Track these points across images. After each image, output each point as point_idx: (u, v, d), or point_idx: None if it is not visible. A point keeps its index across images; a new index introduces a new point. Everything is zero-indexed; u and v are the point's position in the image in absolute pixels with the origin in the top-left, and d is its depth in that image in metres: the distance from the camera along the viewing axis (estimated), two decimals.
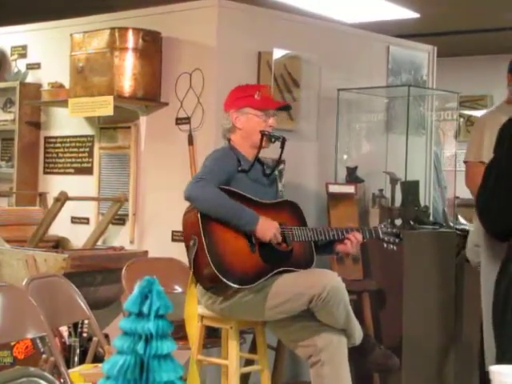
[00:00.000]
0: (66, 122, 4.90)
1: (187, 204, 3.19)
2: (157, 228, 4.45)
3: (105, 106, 4.29)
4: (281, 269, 3.18)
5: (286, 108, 3.67)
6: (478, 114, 5.63)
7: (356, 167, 4.64)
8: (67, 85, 4.62)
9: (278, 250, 3.20)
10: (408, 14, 6.11)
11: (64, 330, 3.79)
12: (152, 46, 4.38)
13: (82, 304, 3.03)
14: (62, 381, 2.64)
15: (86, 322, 3.75)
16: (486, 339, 3.17)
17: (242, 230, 3.12)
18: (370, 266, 4.33)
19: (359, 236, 3.30)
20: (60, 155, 5.02)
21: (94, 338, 3.20)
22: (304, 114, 4.63)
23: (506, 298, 2.64)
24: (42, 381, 1.65)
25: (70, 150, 4.97)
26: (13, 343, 3.64)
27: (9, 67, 5.27)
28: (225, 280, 3.05)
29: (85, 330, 3.82)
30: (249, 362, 3.77)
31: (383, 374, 4.23)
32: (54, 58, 4.99)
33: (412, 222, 4.46)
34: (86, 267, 4.07)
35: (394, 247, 3.37)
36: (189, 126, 4.31)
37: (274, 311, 3.15)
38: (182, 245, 3.24)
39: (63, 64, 4.64)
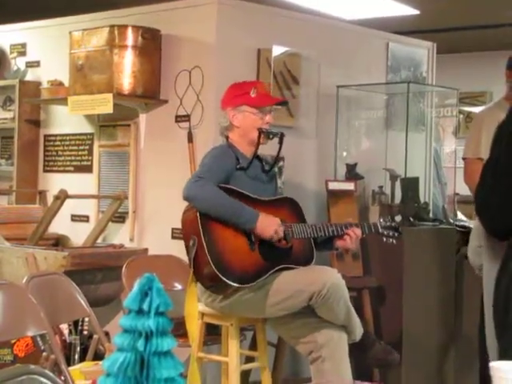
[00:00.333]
0: (66, 120, 4.90)
1: (187, 202, 3.19)
2: (157, 225, 4.45)
3: (104, 104, 4.28)
4: (281, 266, 3.18)
5: (282, 104, 3.67)
6: (477, 110, 5.62)
7: (356, 164, 4.64)
8: (67, 83, 4.61)
9: (278, 247, 3.20)
10: (407, 10, 6.10)
11: (64, 327, 3.79)
12: (151, 44, 4.37)
13: (82, 302, 3.04)
14: (62, 378, 2.64)
15: (86, 319, 3.75)
16: (489, 338, 3.17)
17: (242, 228, 3.12)
18: (369, 262, 4.34)
19: (358, 231, 3.30)
20: (60, 153, 5.02)
21: (95, 336, 3.20)
22: (303, 110, 4.63)
23: (508, 297, 2.64)
24: (42, 378, 1.65)
25: (70, 147, 4.97)
26: (13, 341, 3.64)
27: (8, 65, 5.27)
28: (225, 279, 3.05)
29: (85, 327, 3.82)
30: (249, 359, 3.77)
31: (383, 370, 4.24)
32: (53, 55, 4.98)
33: (412, 219, 4.46)
34: (86, 265, 4.08)
35: (394, 241, 3.38)
36: (188, 123, 4.31)
37: (274, 308, 3.15)
38: (182, 242, 3.24)
39: (63, 62, 4.64)
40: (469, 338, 4.22)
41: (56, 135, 5.04)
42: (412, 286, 4.26)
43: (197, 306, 3.27)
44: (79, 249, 4.35)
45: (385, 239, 3.36)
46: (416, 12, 6.22)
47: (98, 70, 4.34)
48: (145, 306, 1.00)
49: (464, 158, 3.97)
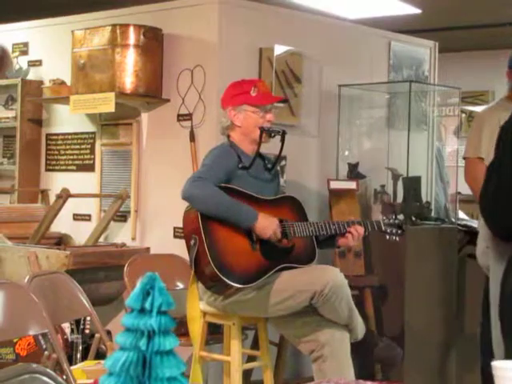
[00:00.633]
0: (68, 119, 4.90)
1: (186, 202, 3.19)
2: (159, 224, 4.45)
3: (106, 103, 4.28)
4: (282, 266, 3.18)
5: (283, 102, 3.67)
6: (479, 109, 5.61)
7: (357, 163, 4.64)
8: (69, 82, 4.62)
9: (280, 246, 3.19)
10: (409, 9, 6.10)
11: (66, 326, 3.80)
12: (153, 43, 4.37)
13: (84, 301, 3.04)
14: (64, 377, 2.64)
15: (88, 318, 3.76)
16: (495, 338, 3.16)
17: (242, 226, 3.11)
18: (371, 261, 4.34)
19: (361, 229, 3.29)
20: (62, 152, 5.03)
21: (97, 335, 3.20)
22: (305, 110, 4.62)
23: None
24: (44, 377, 1.65)
25: (72, 146, 4.97)
26: (15, 340, 3.64)
27: (10, 64, 5.27)
28: (226, 280, 3.04)
29: (87, 326, 3.83)
30: (251, 358, 3.77)
31: (386, 368, 4.24)
32: (55, 54, 4.98)
33: (414, 218, 4.46)
34: (88, 264, 4.08)
35: (397, 238, 3.37)
36: (190, 122, 4.31)
37: (276, 308, 3.15)
38: (184, 241, 3.24)
39: (65, 61, 4.64)
40: (471, 336, 4.21)
41: (58, 134, 5.04)
42: (414, 285, 4.26)
43: (198, 307, 3.27)
44: (81, 248, 4.35)
45: (388, 237, 3.35)
46: (418, 11, 6.21)
47: (100, 68, 4.34)
48: (147, 305, 1.00)
49: (465, 158, 3.97)
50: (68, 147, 4.99)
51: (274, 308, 3.15)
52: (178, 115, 4.38)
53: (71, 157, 4.97)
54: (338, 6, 5.62)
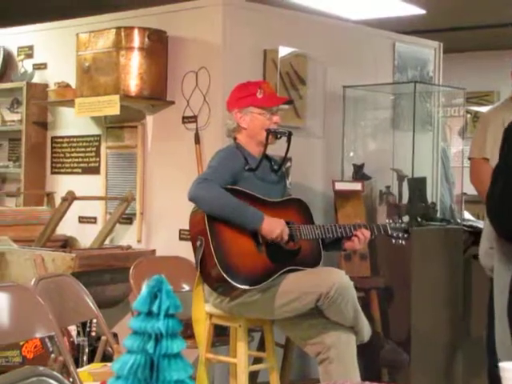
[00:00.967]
0: (73, 122, 4.91)
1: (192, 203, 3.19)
2: (164, 227, 4.46)
3: (111, 106, 4.29)
4: (288, 268, 3.17)
5: (288, 103, 3.67)
6: (484, 109, 5.61)
7: (363, 164, 4.63)
8: (74, 85, 4.62)
9: (286, 248, 3.19)
10: (414, 10, 6.09)
11: (72, 329, 3.80)
12: (158, 45, 4.38)
13: (90, 303, 3.04)
14: (71, 380, 2.65)
15: (94, 321, 3.76)
16: (498, 339, 3.16)
17: (247, 228, 3.11)
18: (377, 262, 4.33)
19: (367, 233, 3.29)
20: (67, 155, 5.04)
21: (103, 337, 3.20)
22: (310, 111, 4.62)
23: None
24: (51, 380, 1.65)
25: (77, 149, 4.98)
26: (22, 343, 3.65)
27: (15, 67, 5.28)
28: (232, 282, 3.04)
29: (93, 329, 3.83)
30: (257, 360, 3.77)
31: (392, 370, 4.23)
32: (60, 57, 4.99)
33: (419, 219, 4.46)
34: (94, 266, 4.08)
35: (403, 242, 3.37)
36: (195, 124, 4.31)
37: (282, 310, 3.15)
38: (190, 243, 3.24)
39: (69, 64, 4.65)
40: (477, 338, 4.20)
41: (63, 137, 5.05)
42: (420, 286, 4.25)
43: (203, 309, 3.27)
44: (87, 250, 4.36)
45: (394, 240, 3.35)
46: (422, 12, 6.21)
47: (105, 71, 4.35)
48: (154, 308, 1.00)
49: (470, 158, 3.97)
50: (73, 150, 5.00)
51: (279, 310, 3.15)
52: (183, 117, 4.38)
53: (76, 159, 4.98)
54: (342, 7, 5.62)
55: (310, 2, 5.46)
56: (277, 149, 3.53)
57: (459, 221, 4.85)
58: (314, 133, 4.66)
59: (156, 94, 4.39)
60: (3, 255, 4.21)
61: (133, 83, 4.31)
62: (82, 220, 4.85)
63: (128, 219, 4.63)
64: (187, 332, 3.38)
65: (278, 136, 3.36)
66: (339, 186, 4.35)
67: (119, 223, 4.57)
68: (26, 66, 5.19)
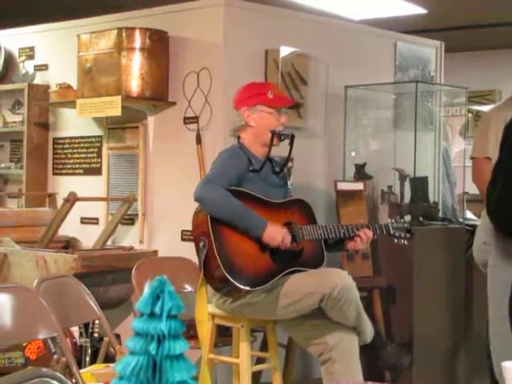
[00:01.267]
0: (75, 123, 4.91)
1: (196, 203, 3.19)
2: (166, 227, 4.46)
3: (113, 107, 4.29)
4: (291, 269, 3.17)
5: (295, 106, 3.68)
6: (486, 109, 5.60)
7: (364, 164, 4.63)
8: (75, 86, 4.62)
9: (289, 249, 3.19)
10: (415, 9, 6.09)
11: (75, 330, 3.80)
12: (159, 46, 4.38)
13: (92, 304, 3.04)
14: (73, 381, 2.65)
15: (96, 322, 3.76)
16: (492, 332, 3.16)
17: (250, 234, 3.11)
18: (379, 262, 4.33)
19: (370, 233, 3.29)
20: (69, 156, 5.04)
21: (105, 338, 3.20)
22: (312, 111, 4.62)
23: None
24: (54, 381, 1.66)
25: (79, 150, 4.98)
26: (25, 344, 3.65)
27: (16, 69, 5.28)
28: (235, 282, 3.04)
29: (96, 330, 3.83)
30: (260, 361, 3.77)
31: (394, 372, 4.23)
32: (61, 58, 5.00)
33: (421, 218, 4.45)
34: (96, 267, 4.08)
35: (405, 242, 3.37)
36: (197, 125, 4.31)
37: (285, 310, 3.15)
38: (192, 244, 3.24)
39: (71, 65, 4.65)
40: (479, 338, 4.20)
41: (65, 138, 5.05)
42: (422, 286, 4.25)
43: (206, 310, 3.27)
44: (89, 251, 4.36)
45: (396, 240, 3.35)
46: (424, 11, 6.21)
47: (106, 72, 4.35)
48: (157, 309, 1.00)
49: (472, 158, 3.96)
50: (75, 151, 5.00)
51: (283, 310, 3.15)
52: (185, 118, 4.38)
53: (78, 160, 4.98)
54: (344, 7, 5.62)
55: (311, 2, 5.46)
56: (278, 150, 3.52)
57: (461, 220, 4.84)
58: (316, 133, 4.66)
59: (157, 95, 4.39)
60: (5, 256, 4.21)
61: (134, 84, 4.31)
62: (84, 221, 4.85)
63: (130, 220, 4.63)
64: (190, 333, 3.38)
65: (282, 138, 3.36)
66: (341, 185, 4.35)
67: (121, 224, 4.57)
68: (27, 67, 5.19)
